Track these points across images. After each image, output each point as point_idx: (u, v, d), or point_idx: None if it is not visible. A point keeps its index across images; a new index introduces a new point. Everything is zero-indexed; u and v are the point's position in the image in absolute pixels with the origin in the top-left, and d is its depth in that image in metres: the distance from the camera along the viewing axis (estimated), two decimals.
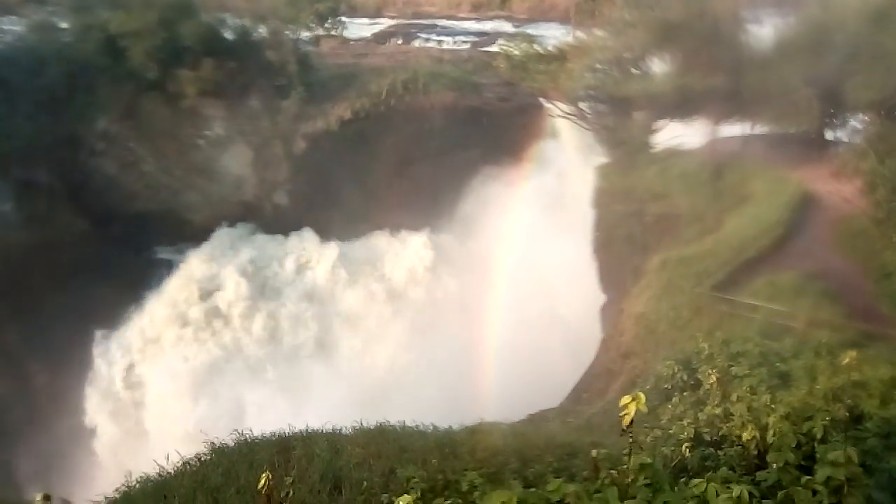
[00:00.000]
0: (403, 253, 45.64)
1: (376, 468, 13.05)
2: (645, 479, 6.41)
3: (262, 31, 45.05)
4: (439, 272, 45.37)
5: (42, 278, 37.34)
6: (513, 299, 40.09)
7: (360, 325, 43.94)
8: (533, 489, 6.31)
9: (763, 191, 31.44)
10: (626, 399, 6.83)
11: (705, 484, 6.43)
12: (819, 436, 8.48)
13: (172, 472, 14.07)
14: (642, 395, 6.83)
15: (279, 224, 44.69)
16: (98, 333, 40.38)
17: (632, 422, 6.91)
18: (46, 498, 9.44)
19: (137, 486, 13.98)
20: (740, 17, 36.52)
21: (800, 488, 6.79)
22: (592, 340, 30.44)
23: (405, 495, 6.79)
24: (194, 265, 42.73)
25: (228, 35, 44.18)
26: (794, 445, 8.29)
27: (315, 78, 45.12)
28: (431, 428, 15.30)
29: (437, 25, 66.08)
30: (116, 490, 14.22)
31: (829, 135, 36.40)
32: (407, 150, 44.54)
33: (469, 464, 12.84)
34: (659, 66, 37.85)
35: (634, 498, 6.16)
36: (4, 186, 37.27)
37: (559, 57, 39.08)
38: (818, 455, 7.72)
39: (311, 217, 44.28)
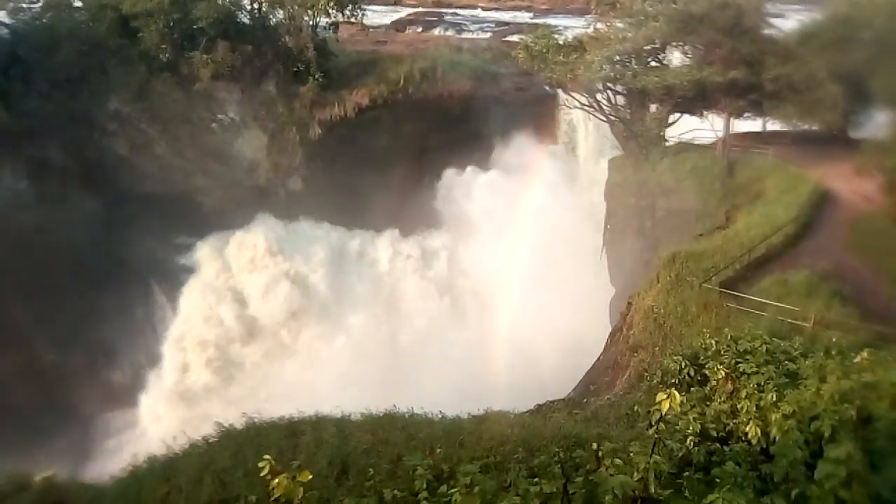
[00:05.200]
0: (414, 245, 45.82)
1: (384, 455, 13.12)
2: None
3: (280, 15, 44.79)
4: (448, 263, 45.47)
5: (53, 257, 37.40)
6: (523, 290, 40.13)
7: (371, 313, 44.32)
8: None
9: (777, 188, 31.22)
10: (661, 396, 6.96)
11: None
12: (827, 435, 8.49)
13: (180, 452, 14.21)
14: (677, 395, 6.91)
15: (293, 210, 44.73)
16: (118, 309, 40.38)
17: (660, 418, 6.98)
18: (47, 479, 9.63)
19: (145, 465, 14.13)
20: (764, 9, 36.22)
21: (807, 483, 6.81)
22: (601, 333, 30.42)
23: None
24: None
25: (245, 19, 43.97)
26: (801, 443, 8.31)
27: (333, 64, 44.87)
28: (439, 416, 15.32)
29: (457, 14, 65.90)
30: (123, 469, 14.38)
31: (852, 131, 36.05)
32: (423, 138, 44.49)
33: (475, 452, 12.87)
34: (678, 58, 37.62)
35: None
36: (18, 165, 37.26)
37: (578, 48, 38.86)
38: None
39: (324, 204, 44.29)
